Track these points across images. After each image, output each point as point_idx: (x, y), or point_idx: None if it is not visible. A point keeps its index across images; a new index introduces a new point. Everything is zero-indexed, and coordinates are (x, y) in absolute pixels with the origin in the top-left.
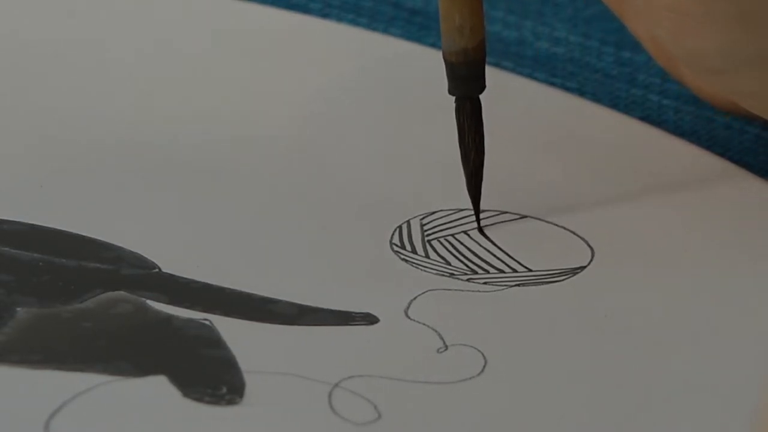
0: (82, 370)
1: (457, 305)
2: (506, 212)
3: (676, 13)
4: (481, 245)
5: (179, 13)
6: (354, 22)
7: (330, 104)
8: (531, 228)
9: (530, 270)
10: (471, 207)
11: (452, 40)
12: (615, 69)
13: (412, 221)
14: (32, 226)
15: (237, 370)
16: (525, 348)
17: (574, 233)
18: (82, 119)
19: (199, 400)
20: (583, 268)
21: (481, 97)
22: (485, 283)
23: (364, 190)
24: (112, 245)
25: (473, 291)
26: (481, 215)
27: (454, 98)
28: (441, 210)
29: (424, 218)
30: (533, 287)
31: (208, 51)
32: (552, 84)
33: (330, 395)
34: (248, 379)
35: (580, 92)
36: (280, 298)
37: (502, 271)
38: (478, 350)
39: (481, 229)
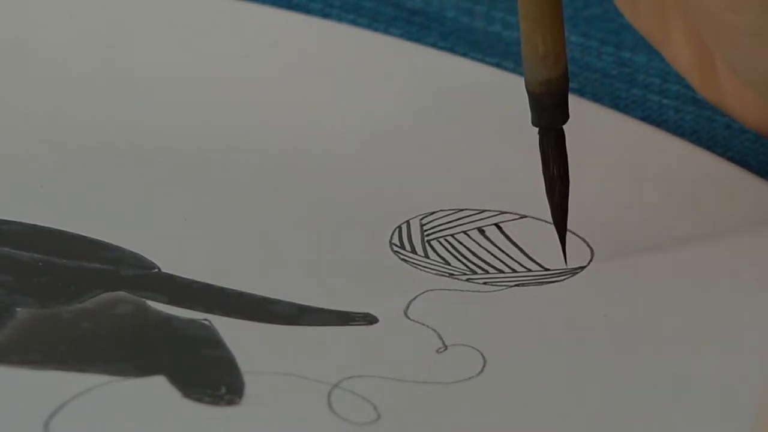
0: (81, 370)
1: (457, 305)
2: (506, 212)
3: (753, 32)
4: (480, 245)
5: (179, 13)
6: (354, 23)
7: (330, 104)
8: (531, 228)
9: (530, 270)
10: (472, 207)
11: (535, 71)
12: (615, 69)
13: (411, 221)
14: (32, 226)
15: (237, 371)
16: (524, 348)
17: (574, 233)
18: (83, 120)
19: (199, 400)
20: (583, 268)
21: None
22: (485, 283)
23: (364, 190)
24: (112, 245)
25: (473, 291)
26: (481, 215)
27: (537, 129)
28: (441, 210)
29: (423, 218)
30: (533, 287)
31: (207, 51)
32: None
33: (330, 395)
34: (248, 379)
35: (580, 92)
36: (280, 298)
37: (501, 271)
38: (478, 350)
39: (566, 259)
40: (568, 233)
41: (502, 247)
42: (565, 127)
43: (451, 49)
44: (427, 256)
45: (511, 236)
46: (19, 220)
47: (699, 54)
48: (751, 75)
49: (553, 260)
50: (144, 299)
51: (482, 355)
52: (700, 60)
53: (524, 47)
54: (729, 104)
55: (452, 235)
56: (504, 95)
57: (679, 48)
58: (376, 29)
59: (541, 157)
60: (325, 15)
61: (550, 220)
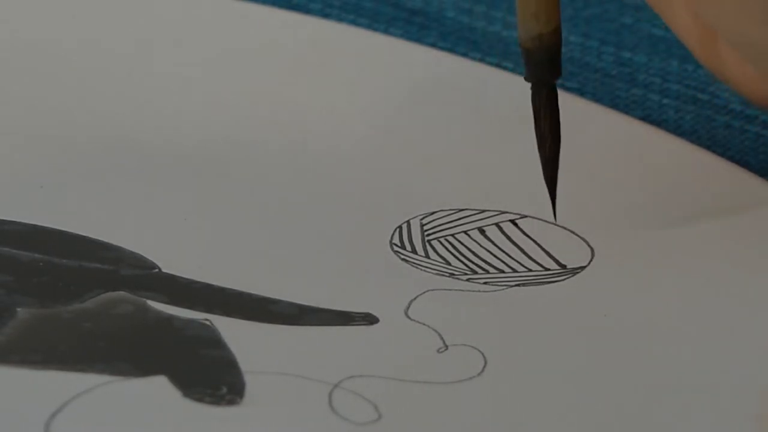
0: (82, 370)
1: (457, 305)
2: (506, 212)
3: (738, 3)
4: (481, 245)
5: (179, 13)
6: (354, 23)
7: (330, 104)
8: (531, 228)
9: (530, 270)
10: (473, 207)
11: (528, 26)
12: (615, 69)
13: (412, 221)
14: (33, 226)
15: (237, 371)
16: (525, 348)
17: (574, 233)
18: (83, 119)
19: (200, 400)
20: (583, 268)
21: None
22: (485, 283)
23: (364, 190)
24: (112, 245)
25: (473, 291)
26: (481, 215)
27: (529, 85)
28: (441, 210)
29: (424, 218)
30: (533, 287)
31: (207, 51)
32: None
33: (330, 395)
34: (248, 379)
35: (580, 92)
36: (280, 298)
37: (502, 271)
38: (478, 350)
39: (555, 218)
40: (568, 232)
41: (503, 247)
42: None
43: (451, 49)
44: (427, 256)
45: (512, 236)
46: (19, 220)
47: (701, 23)
48: (742, 43)
49: (553, 260)
50: (144, 299)
51: (483, 355)
52: (702, 30)
53: (518, 5)
54: (729, 74)
55: (453, 235)
56: (504, 95)
57: (680, 16)
58: (376, 29)
59: (533, 112)
60: (325, 15)
61: (551, 219)
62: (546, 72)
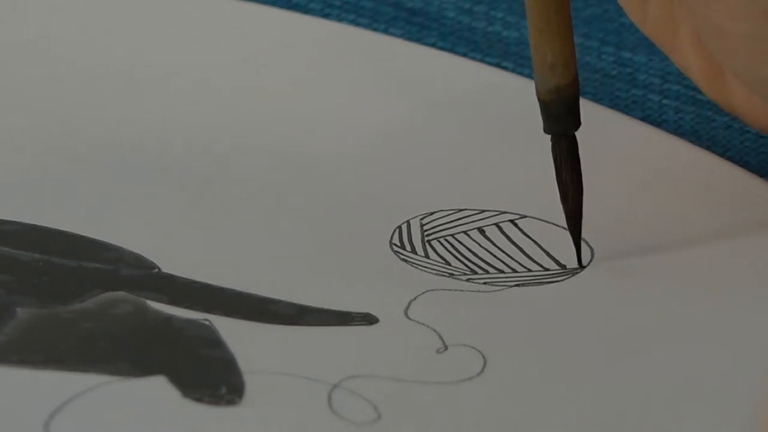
0: (82, 370)
1: (457, 305)
2: (506, 212)
3: (753, 40)
4: (480, 245)
5: (180, 14)
6: (354, 23)
7: (330, 104)
8: (531, 228)
9: (530, 270)
10: (473, 207)
11: (545, 78)
12: (615, 69)
13: (412, 221)
14: (32, 226)
15: (236, 371)
16: (524, 348)
17: None
18: (83, 119)
19: (199, 400)
20: (583, 268)
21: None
22: (485, 283)
23: (364, 190)
24: (112, 245)
25: (473, 291)
26: (480, 215)
27: (550, 137)
28: (441, 210)
29: (423, 218)
30: (533, 287)
31: (207, 51)
32: None
33: (330, 395)
34: (248, 379)
35: (581, 92)
36: (280, 298)
37: (501, 271)
38: (478, 350)
39: (581, 265)
40: (568, 233)
41: (503, 247)
42: None
43: (451, 49)
44: (427, 256)
45: (511, 236)
46: (19, 220)
47: (707, 58)
48: (753, 81)
49: (553, 260)
50: (144, 299)
51: (482, 355)
52: (708, 64)
53: (534, 55)
54: (738, 107)
55: (452, 235)
56: (504, 95)
57: (687, 53)
58: (376, 29)
59: (554, 164)
60: (325, 15)
61: (551, 220)
62: (565, 125)
